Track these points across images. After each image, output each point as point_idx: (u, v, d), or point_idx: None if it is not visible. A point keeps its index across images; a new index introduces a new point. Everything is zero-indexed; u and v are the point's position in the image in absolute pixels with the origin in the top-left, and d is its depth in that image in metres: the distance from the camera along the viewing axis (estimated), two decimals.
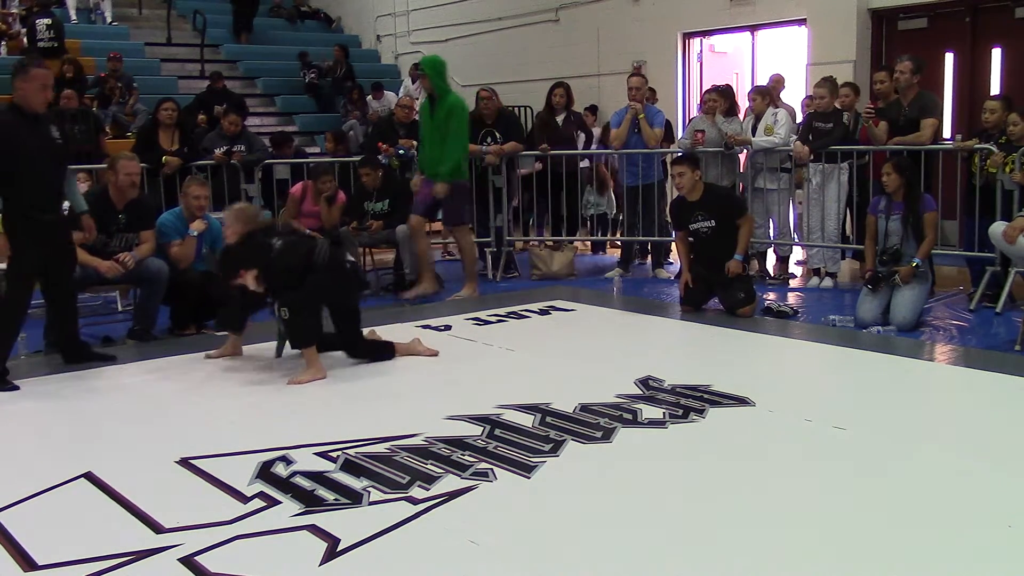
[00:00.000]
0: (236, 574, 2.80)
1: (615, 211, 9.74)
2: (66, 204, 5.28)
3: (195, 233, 6.22)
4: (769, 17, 11.02)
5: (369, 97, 13.41)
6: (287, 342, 5.30)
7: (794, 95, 9.89)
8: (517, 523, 3.16)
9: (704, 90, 9.80)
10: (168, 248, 6.15)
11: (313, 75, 13.95)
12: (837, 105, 7.65)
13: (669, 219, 7.53)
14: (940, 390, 4.97)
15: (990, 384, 4.84)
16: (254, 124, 12.26)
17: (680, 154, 7.43)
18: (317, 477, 3.53)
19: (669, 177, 7.42)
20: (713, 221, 6.53)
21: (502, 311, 6.74)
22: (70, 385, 5.09)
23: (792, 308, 6.68)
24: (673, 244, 8.41)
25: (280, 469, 3.63)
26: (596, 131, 10.00)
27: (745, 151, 8.11)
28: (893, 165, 6.30)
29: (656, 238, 8.52)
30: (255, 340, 6.04)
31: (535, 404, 4.39)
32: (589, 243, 9.95)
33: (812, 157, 7.61)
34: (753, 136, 7.91)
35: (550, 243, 8.86)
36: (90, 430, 4.27)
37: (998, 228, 5.92)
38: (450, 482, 3.48)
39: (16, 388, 4.99)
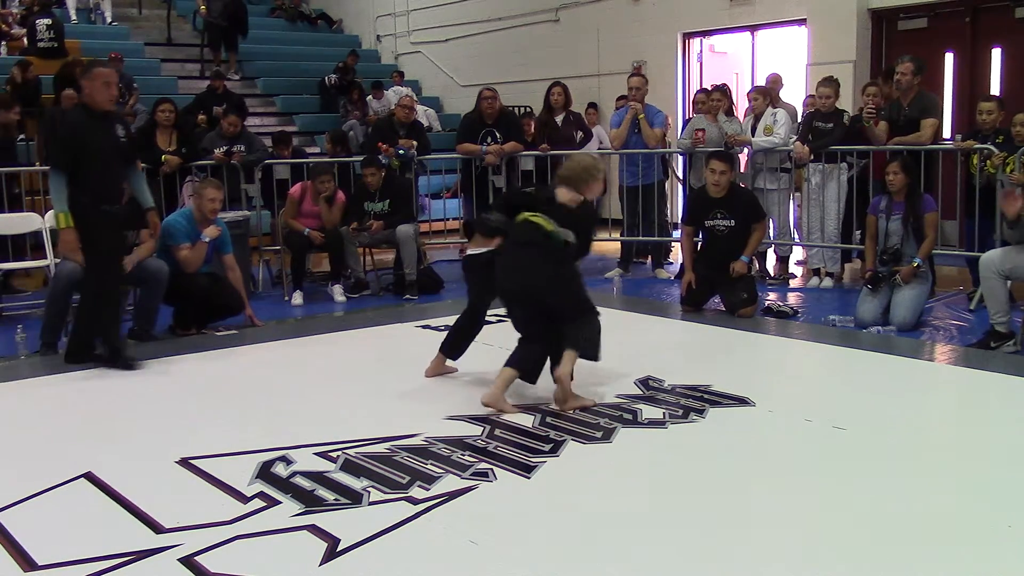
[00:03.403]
0: (236, 574, 2.80)
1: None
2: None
3: (207, 239, 6.20)
4: (769, 17, 11.02)
5: (369, 97, 13.40)
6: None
7: (794, 95, 9.89)
8: (517, 523, 3.16)
9: (696, 91, 9.85)
10: (176, 250, 6.13)
11: (336, 78, 13.89)
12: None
13: (671, 214, 7.49)
14: (940, 390, 4.97)
15: (990, 384, 4.84)
16: (254, 124, 12.25)
17: (718, 151, 7.32)
18: (317, 477, 3.53)
19: (671, 175, 7.38)
20: (733, 221, 6.54)
21: (502, 311, 6.73)
22: (70, 385, 5.09)
23: (792, 308, 6.69)
24: (673, 244, 8.41)
25: (280, 469, 3.63)
26: (598, 129, 9.99)
27: (745, 151, 8.11)
28: (900, 165, 6.30)
29: (656, 238, 8.52)
30: (256, 340, 6.05)
31: (535, 404, 4.39)
32: None
33: (812, 157, 7.61)
34: (753, 136, 7.91)
35: None
36: (90, 430, 4.27)
37: (992, 256, 5.79)
38: (450, 482, 3.48)
39: (138, 367, 5.26)
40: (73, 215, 5.18)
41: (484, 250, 4.70)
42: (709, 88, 8.59)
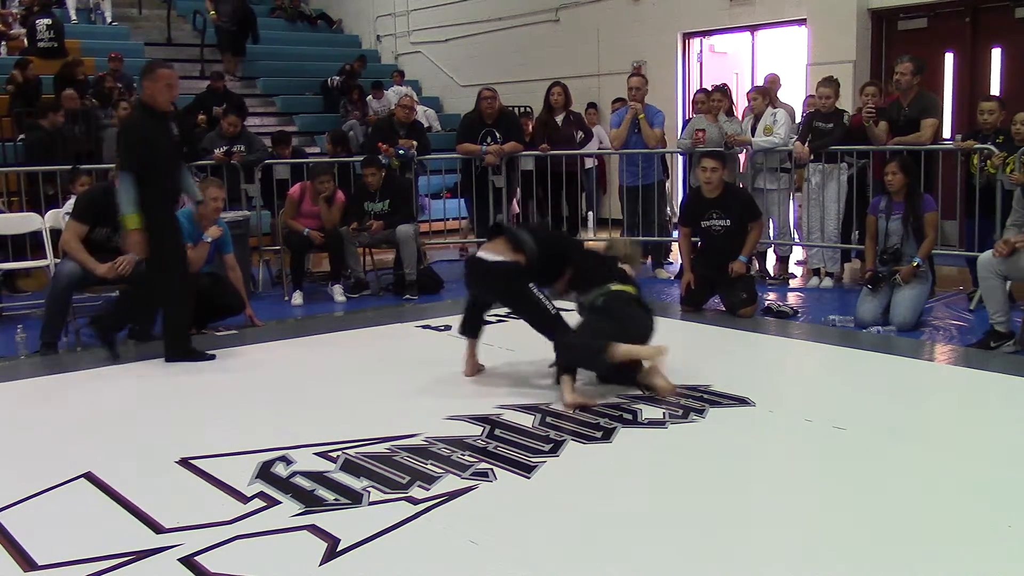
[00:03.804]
0: (236, 574, 2.80)
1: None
2: None
3: (209, 239, 6.20)
4: (769, 17, 11.02)
5: (369, 97, 13.40)
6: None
7: (794, 95, 9.89)
8: (517, 523, 3.16)
9: (696, 91, 9.86)
10: None
11: (339, 80, 13.88)
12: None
13: (675, 213, 7.50)
14: (940, 390, 4.97)
15: (990, 384, 4.84)
16: (254, 124, 12.25)
17: (709, 150, 7.34)
18: (317, 477, 3.53)
19: (666, 173, 7.37)
20: (729, 221, 6.53)
21: (502, 311, 6.72)
22: (71, 385, 5.10)
23: (792, 308, 6.69)
24: (674, 243, 8.41)
25: (280, 469, 3.63)
26: (598, 129, 10.00)
27: (745, 151, 8.11)
28: (899, 165, 6.30)
29: (656, 238, 8.52)
30: (256, 340, 6.04)
31: (535, 404, 4.40)
32: None
33: (812, 157, 7.61)
34: (753, 136, 7.91)
35: None
36: (90, 430, 4.27)
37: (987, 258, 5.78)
38: (450, 482, 3.48)
39: (212, 357, 5.51)
40: (142, 216, 5.24)
41: (500, 258, 4.73)
42: (709, 88, 8.60)
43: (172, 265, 5.43)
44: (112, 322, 5.69)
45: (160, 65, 5.56)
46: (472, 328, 5.10)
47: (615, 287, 4.89)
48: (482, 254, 4.89)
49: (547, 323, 4.73)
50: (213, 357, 5.54)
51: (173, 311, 5.52)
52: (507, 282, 4.75)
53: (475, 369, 5.08)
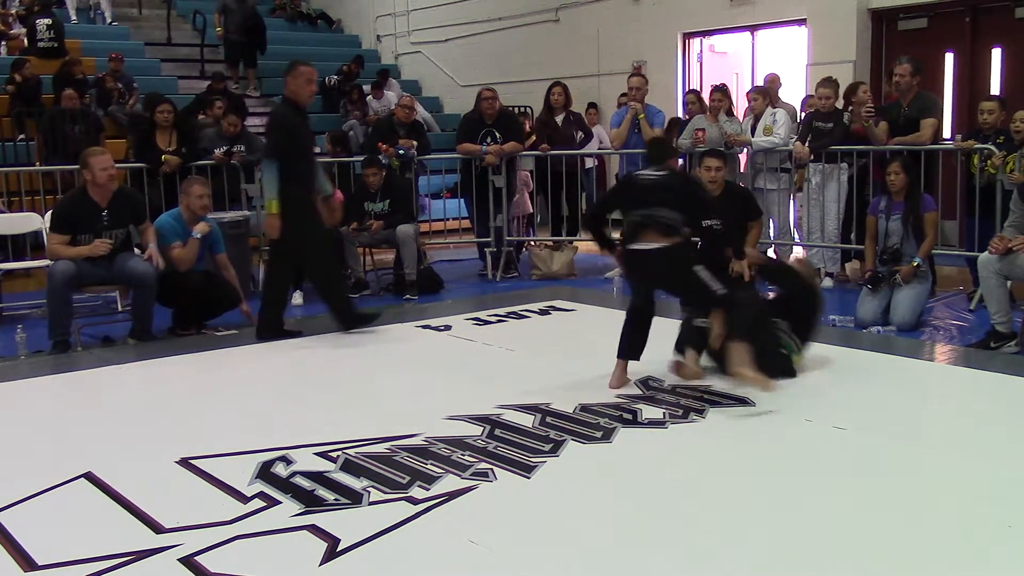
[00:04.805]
0: (236, 574, 2.80)
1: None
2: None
3: (198, 235, 6.21)
4: (769, 17, 11.02)
5: (369, 97, 13.39)
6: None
7: (794, 95, 9.89)
8: (517, 523, 3.16)
9: (687, 91, 9.87)
10: (168, 250, 6.14)
11: (337, 80, 13.87)
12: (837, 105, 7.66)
13: None
14: (940, 390, 4.97)
15: (990, 384, 4.84)
16: (254, 124, 12.24)
17: (711, 149, 7.32)
18: (317, 477, 3.53)
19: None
20: (729, 219, 6.51)
21: (502, 311, 6.74)
22: (70, 385, 5.10)
23: None
24: None
25: (280, 469, 3.63)
26: (598, 129, 10.00)
27: (745, 151, 8.11)
28: (901, 165, 6.30)
29: None
30: (256, 340, 6.04)
31: (535, 404, 4.39)
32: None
33: (812, 157, 7.61)
34: (752, 136, 7.91)
35: (550, 243, 8.85)
36: (90, 430, 4.27)
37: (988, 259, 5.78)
38: (450, 482, 3.48)
39: (301, 334, 5.98)
40: (281, 202, 5.65)
41: (655, 246, 4.62)
42: (698, 89, 8.58)
43: (321, 245, 5.94)
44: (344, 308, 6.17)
45: (301, 63, 6.14)
46: (636, 350, 4.75)
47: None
48: (638, 246, 4.69)
49: (718, 303, 4.63)
50: (377, 316, 6.17)
51: (330, 285, 6.06)
52: (679, 262, 4.67)
53: (623, 382, 4.73)
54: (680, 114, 9.62)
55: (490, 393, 4.56)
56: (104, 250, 5.84)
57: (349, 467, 3.63)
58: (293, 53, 15.07)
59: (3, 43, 13.11)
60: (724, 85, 8.56)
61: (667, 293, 5.03)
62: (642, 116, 8.24)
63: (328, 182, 6.33)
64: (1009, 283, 5.79)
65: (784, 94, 9.20)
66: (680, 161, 7.92)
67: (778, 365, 4.72)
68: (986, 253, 5.73)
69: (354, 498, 3.35)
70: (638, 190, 4.82)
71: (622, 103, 9.09)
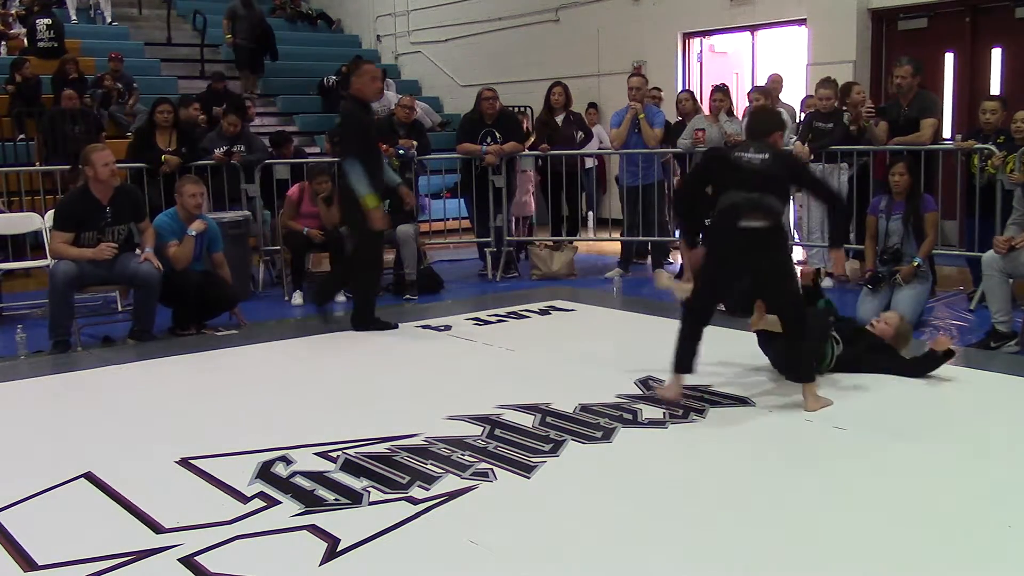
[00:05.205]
0: (236, 574, 2.80)
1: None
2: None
3: (194, 233, 6.22)
4: (769, 17, 11.02)
5: None
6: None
7: (794, 95, 9.89)
8: (517, 523, 3.16)
9: (680, 90, 9.86)
10: (165, 249, 6.14)
11: (335, 80, 13.86)
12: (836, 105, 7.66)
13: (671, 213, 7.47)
14: (940, 390, 4.97)
15: (990, 384, 4.84)
16: (254, 124, 12.24)
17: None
18: (317, 477, 3.53)
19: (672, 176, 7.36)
20: None
21: (502, 311, 6.74)
22: (70, 385, 5.10)
23: None
24: (676, 244, 8.39)
25: (280, 469, 3.63)
26: (598, 129, 9.99)
27: None
28: (905, 166, 6.29)
29: (656, 238, 8.52)
30: (256, 340, 6.04)
31: (535, 404, 4.39)
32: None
33: (812, 157, 7.61)
34: None
35: (550, 243, 8.85)
36: (90, 430, 4.27)
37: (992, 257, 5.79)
38: (450, 482, 3.48)
39: (395, 327, 6.19)
40: (349, 195, 5.91)
41: (767, 224, 4.33)
42: (691, 90, 8.56)
43: (372, 242, 6.11)
44: (329, 290, 6.65)
45: (364, 61, 6.36)
46: (690, 362, 4.44)
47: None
48: (747, 223, 4.32)
49: (797, 309, 4.48)
50: (396, 326, 6.19)
51: (365, 280, 6.29)
52: (783, 248, 4.57)
53: (679, 394, 4.45)
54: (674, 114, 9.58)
55: (490, 393, 4.56)
56: (109, 254, 5.83)
57: (349, 467, 3.63)
58: (293, 53, 15.18)
59: (3, 43, 13.11)
60: (725, 85, 8.57)
61: (752, 279, 4.59)
62: (642, 116, 8.24)
63: (395, 173, 6.59)
64: (1012, 281, 5.78)
65: (784, 94, 9.20)
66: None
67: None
68: (991, 252, 5.73)
69: (354, 498, 3.35)
70: (746, 173, 4.39)
71: (646, 102, 8.85)
